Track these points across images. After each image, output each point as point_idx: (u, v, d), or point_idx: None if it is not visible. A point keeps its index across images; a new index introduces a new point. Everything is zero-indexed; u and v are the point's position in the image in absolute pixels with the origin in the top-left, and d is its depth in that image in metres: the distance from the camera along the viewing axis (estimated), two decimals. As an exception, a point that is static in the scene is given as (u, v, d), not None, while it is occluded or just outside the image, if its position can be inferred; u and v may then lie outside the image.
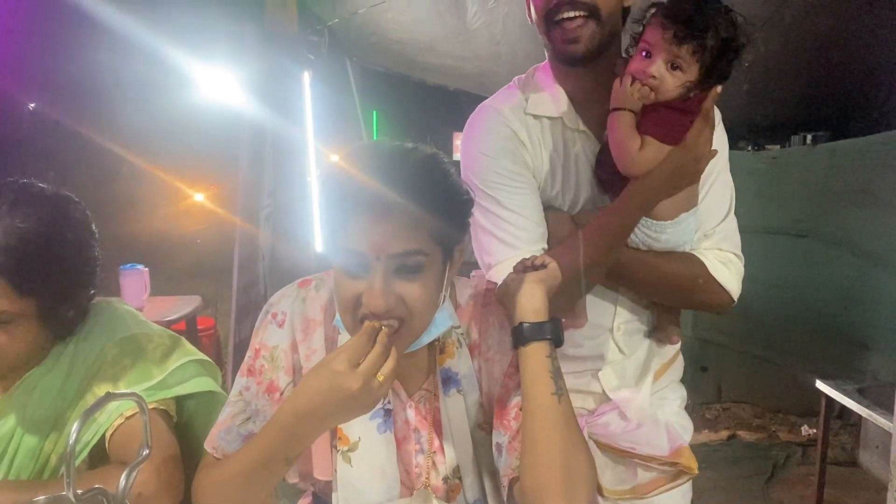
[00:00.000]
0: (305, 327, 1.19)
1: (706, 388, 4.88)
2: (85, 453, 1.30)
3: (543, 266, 1.17)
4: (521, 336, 1.11)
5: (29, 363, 1.32)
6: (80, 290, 1.33)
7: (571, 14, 1.36)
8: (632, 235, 1.41)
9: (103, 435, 1.30)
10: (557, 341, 1.12)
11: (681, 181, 1.37)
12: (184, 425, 1.42)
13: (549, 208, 1.47)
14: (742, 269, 1.50)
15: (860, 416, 3.20)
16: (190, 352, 1.44)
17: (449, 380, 1.18)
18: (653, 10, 1.36)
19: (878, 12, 3.60)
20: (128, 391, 0.96)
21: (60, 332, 1.34)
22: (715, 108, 1.40)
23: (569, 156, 1.47)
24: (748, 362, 4.70)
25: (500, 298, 1.19)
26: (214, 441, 1.18)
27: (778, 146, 5.01)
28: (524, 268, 1.18)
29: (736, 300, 1.49)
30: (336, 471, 1.15)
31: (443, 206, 1.06)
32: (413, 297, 1.04)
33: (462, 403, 1.17)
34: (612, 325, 1.51)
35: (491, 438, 1.16)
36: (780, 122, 4.88)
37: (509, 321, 1.16)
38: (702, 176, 1.41)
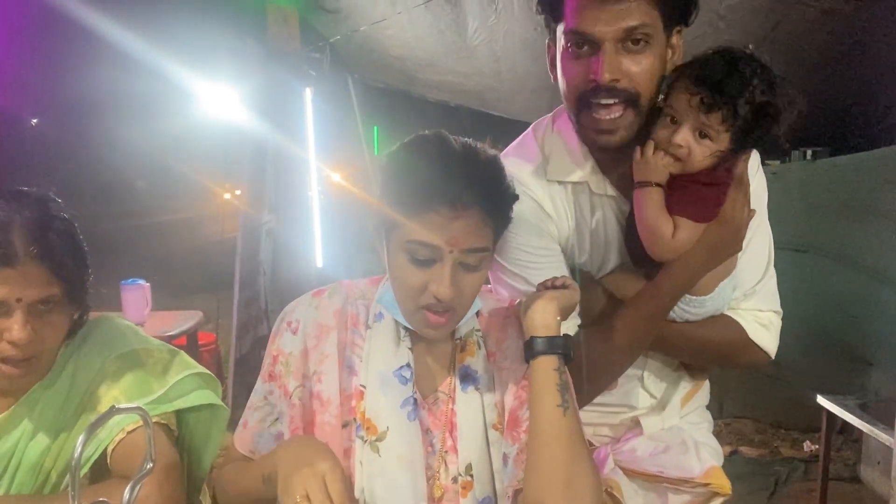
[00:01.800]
0: (318, 333, 1.21)
1: (708, 404, 4.86)
2: (86, 468, 1.30)
3: (565, 287, 1.21)
4: (531, 349, 1.14)
5: (47, 364, 1.32)
6: (87, 280, 1.35)
7: (609, 101, 1.24)
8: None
9: (105, 450, 1.29)
10: (567, 357, 1.15)
11: (721, 256, 1.29)
12: (183, 438, 1.42)
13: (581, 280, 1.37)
14: (780, 323, 1.44)
15: (862, 432, 3.19)
16: (190, 365, 1.44)
17: (468, 377, 1.21)
18: (679, 72, 1.24)
19: (876, 28, 3.62)
20: (132, 405, 0.95)
21: (73, 328, 1.35)
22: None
23: (597, 220, 1.39)
24: (750, 378, 4.68)
25: (518, 313, 1.23)
26: (252, 445, 1.24)
27: (778, 161, 5.02)
28: (545, 287, 1.22)
29: (774, 355, 1.44)
30: (361, 463, 1.15)
31: (505, 207, 1.15)
32: (470, 288, 1.12)
33: (479, 401, 1.20)
34: (643, 373, 1.47)
35: (505, 430, 1.19)
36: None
37: (525, 334, 1.18)
38: None
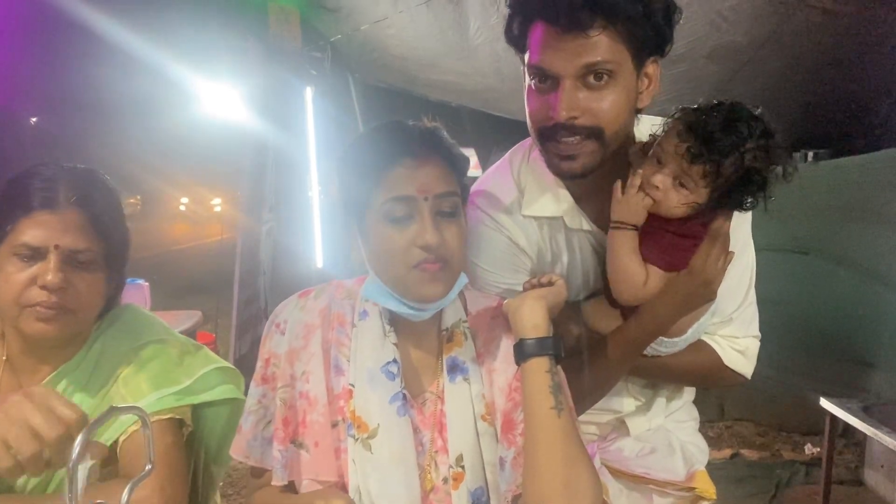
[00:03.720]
0: (305, 333, 1.21)
1: (708, 407, 4.85)
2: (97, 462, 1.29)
3: (551, 283, 1.20)
4: (521, 352, 1.14)
5: (81, 333, 1.32)
6: (128, 247, 1.36)
7: (568, 139, 1.22)
8: None
9: (116, 441, 1.28)
10: (558, 356, 1.14)
11: (692, 305, 1.26)
12: (202, 432, 1.42)
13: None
14: (758, 346, 1.42)
15: (864, 435, 3.18)
16: (214, 359, 1.44)
17: (456, 367, 1.20)
18: (680, 115, 1.20)
19: (878, 30, 3.61)
20: (131, 405, 0.94)
21: (108, 302, 1.35)
22: None
23: (573, 254, 1.38)
24: (750, 380, 4.67)
25: (505, 313, 1.21)
26: (245, 450, 1.23)
27: (779, 164, 5.01)
28: (531, 286, 1.21)
29: (749, 377, 1.43)
30: (354, 461, 1.14)
31: (462, 158, 1.20)
32: (453, 238, 1.13)
33: (467, 391, 1.19)
34: (627, 378, 1.46)
35: (494, 430, 1.18)
36: (781, 139, 4.88)
37: (514, 336, 1.17)
38: None
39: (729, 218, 1.21)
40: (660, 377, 1.46)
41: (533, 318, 1.14)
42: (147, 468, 0.93)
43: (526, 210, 1.36)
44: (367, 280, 1.22)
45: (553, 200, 1.35)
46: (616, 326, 1.33)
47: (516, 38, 1.27)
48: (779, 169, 1.16)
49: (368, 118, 5.67)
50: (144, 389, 1.31)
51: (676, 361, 1.37)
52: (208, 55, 4.15)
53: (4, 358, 1.32)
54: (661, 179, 1.18)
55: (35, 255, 1.20)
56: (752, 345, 1.42)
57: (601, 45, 1.16)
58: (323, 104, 4.85)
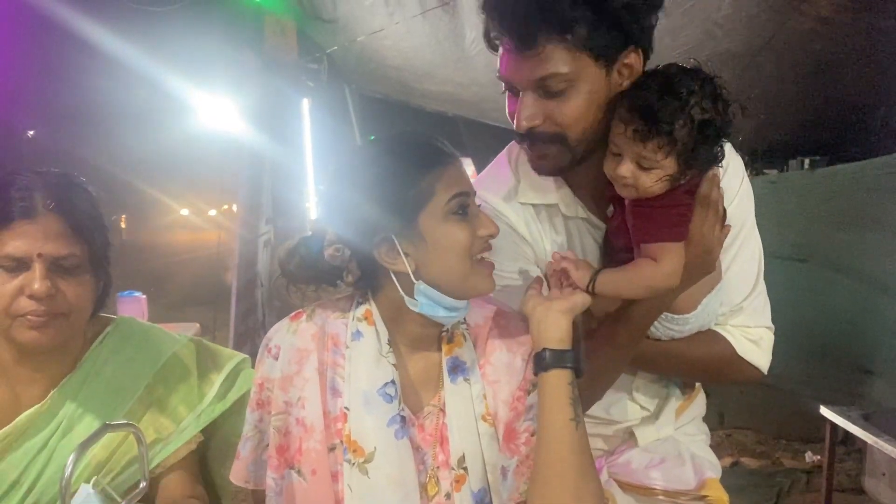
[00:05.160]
0: (298, 358, 1.19)
1: (708, 415, 4.80)
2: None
3: (577, 269, 1.21)
4: (543, 362, 1.12)
5: (68, 348, 1.32)
6: (108, 248, 1.36)
7: (534, 143, 1.25)
8: (652, 328, 1.31)
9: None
10: (579, 371, 1.13)
11: (693, 277, 1.24)
12: (217, 427, 1.44)
13: None
14: (772, 338, 1.41)
15: (864, 443, 3.17)
16: (222, 354, 1.50)
17: (456, 368, 1.19)
18: (617, 101, 1.18)
19: (873, 37, 3.63)
20: (123, 422, 0.94)
21: (98, 306, 1.36)
22: (735, 154, 1.29)
23: (572, 242, 1.38)
24: (750, 388, 4.66)
25: (523, 313, 1.21)
26: (245, 475, 1.24)
27: (776, 170, 5.02)
28: (557, 267, 1.23)
29: (766, 371, 1.40)
30: (349, 487, 1.13)
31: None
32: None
33: (468, 392, 1.18)
34: (632, 387, 1.45)
35: (494, 431, 1.17)
36: (778, 146, 4.89)
37: (534, 344, 1.16)
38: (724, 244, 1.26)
39: (712, 182, 1.18)
40: (675, 370, 1.44)
41: (558, 332, 1.13)
42: (142, 485, 0.92)
43: (522, 197, 1.37)
44: (418, 294, 1.14)
45: (549, 188, 1.35)
46: (618, 307, 1.30)
47: (492, 47, 1.29)
48: (732, 107, 1.13)
49: (365, 129, 5.67)
50: (182, 411, 1.35)
51: (690, 351, 1.36)
52: (205, 67, 4.16)
53: None
54: (625, 168, 1.16)
55: (19, 265, 1.20)
56: (766, 336, 1.40)
57: (553, 58, 1.16)
58: (320, 115, 4.86)
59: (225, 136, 4.26)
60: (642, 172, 1.15)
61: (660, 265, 1.18)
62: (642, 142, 1.12)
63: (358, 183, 1.14)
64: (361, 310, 1.21)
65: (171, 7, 3.94)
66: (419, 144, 1.16)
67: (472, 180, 1.18)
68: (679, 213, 1.18)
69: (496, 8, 1.21)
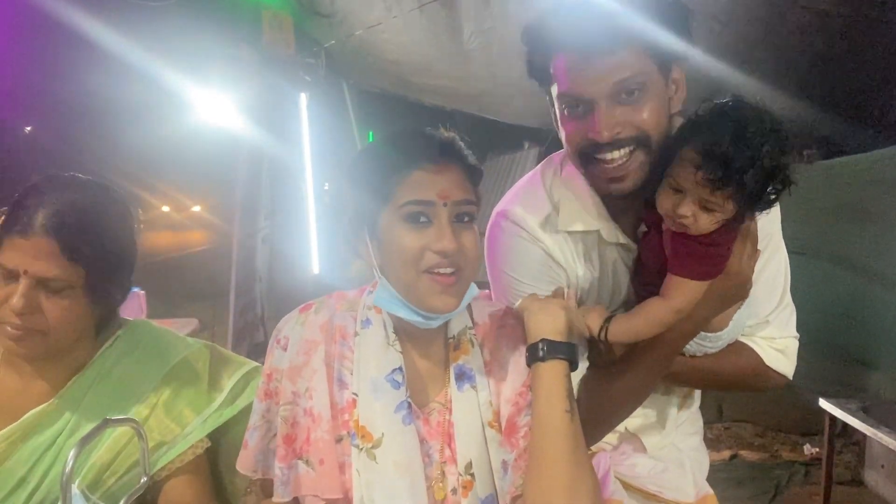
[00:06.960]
0: (307, 349, 1.20)
1: (707, 408, 4.81)
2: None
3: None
4: (539, 353, 1.13)
5: (75, 350, 1.32)
6: (123, 270, 1.34)
7: (615, 154, 1.22)
8: (686, 346, 1.33)
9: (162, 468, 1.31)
10: (574, 364, 1.14)
11: (726, 305, 1.27)
12: (227, 428, 1.43)
13: None
14: (797, 345, 1.42)
15: (863, 435, 3.18)
16: (232, 360, 1.50)
17: (463, 375, 1.19)
18: (684, 137, 1.17)
19: (871, 31, 3.62)
20: (125, 417, 0.93)
21: (105, 316, 1.35)
22: None
23: (605, 267, 1.38)
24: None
25: (520, 312, 1.22)
26: (252, 464, 1.24)
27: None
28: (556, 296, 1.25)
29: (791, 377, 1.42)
30: (358, 472, 1.13)
31: (477, 169, 1.19)
32: (469, 243, 1.13)
33: (475, 399, 1.18)
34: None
35: (502, 437, 1.18)
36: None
37: (529, 336, 1.17)
38: None
39: (754, 216, 1.21)
40: (704, 384, 1.46)
41: (556, 323, 1.15)
42: (143, 480, 0.92)
43: (563, 226, 1.37)
44: (378, 287, 1.20)
45: (590, 215, 1.36)
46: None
47: (539, 73, 1.29)
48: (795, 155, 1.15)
49: (363, 123, 5.67)
50: (188, 415, 1.35)
51: (719, 365, 1.37)
52: (202, 62, 4.14)
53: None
54: (687, 209, 1.15)
55: (11, 275, 1.21)
56: (792, 344, 1.42)
57: (628, 61, 1.18)
58: (317, 110, 4.85)
59: (223, 132, 4.25)
60: (703, 213, 1.15)
61: (670, 301, 1.21)
62: (712, 188, 1.12)
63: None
64: (372, 298, 1.21)
65: (167, 2, 3.93)
66: (397, 144, 1.16)
67: (467, 191, 1.14)
68: (719, 253, 1.20)
69: (560, 24, 1.22)
